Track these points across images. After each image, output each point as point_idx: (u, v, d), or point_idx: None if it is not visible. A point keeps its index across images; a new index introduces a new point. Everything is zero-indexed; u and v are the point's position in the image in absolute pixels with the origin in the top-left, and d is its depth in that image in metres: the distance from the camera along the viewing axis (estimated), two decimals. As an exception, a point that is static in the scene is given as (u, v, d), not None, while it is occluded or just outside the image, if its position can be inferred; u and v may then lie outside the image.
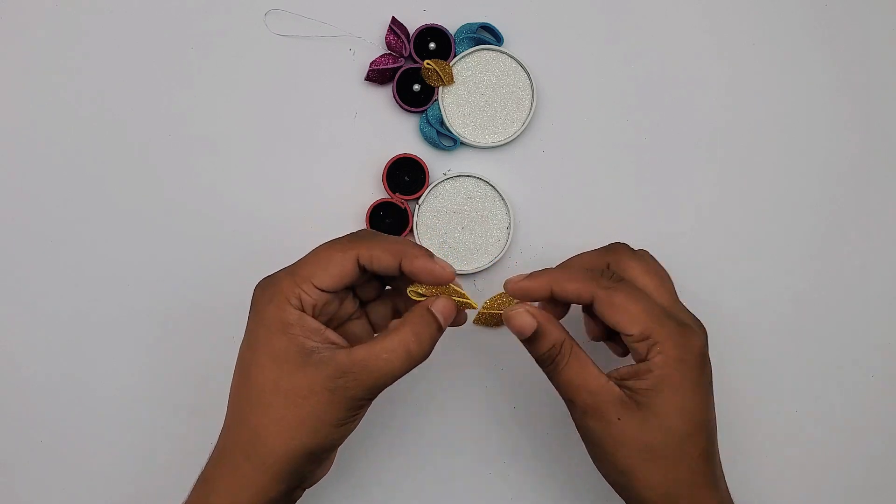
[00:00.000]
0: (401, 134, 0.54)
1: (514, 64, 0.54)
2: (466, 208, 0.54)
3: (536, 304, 0.44)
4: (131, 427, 0.54)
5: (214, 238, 0.54)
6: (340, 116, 0.54)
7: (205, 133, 0.54)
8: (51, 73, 0.54)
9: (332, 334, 0.41)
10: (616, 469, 0.42)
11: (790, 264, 0.55)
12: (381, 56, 0.54)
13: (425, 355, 0.41)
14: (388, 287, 0.47)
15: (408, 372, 0.41)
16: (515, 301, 0.45)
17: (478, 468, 0.55)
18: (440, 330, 0.42)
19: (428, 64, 0.53)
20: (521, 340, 0.44)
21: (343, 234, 0.54)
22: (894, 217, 0.55)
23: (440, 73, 0.53)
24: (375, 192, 0.54)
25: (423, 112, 0.54)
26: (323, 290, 0.41)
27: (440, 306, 0.42)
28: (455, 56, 0.54)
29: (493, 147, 0.54)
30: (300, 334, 0.40)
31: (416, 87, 0.53)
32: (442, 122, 0.53)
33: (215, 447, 0.43)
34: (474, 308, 0.44)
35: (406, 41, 0.53)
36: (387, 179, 0.53)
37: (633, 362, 0.42)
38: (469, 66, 0.54)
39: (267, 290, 0.41)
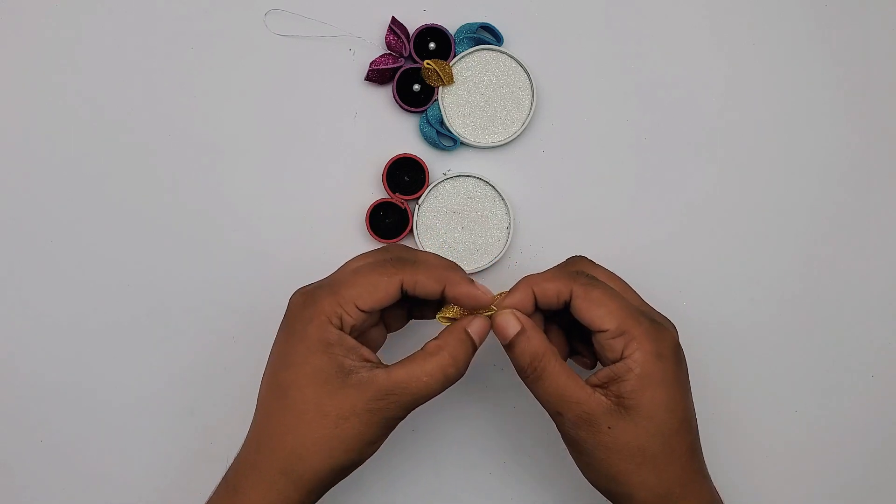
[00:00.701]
0: (401, 134, 0.54)
1: (514, 64, 0.54)
2: (466, 208, 0.54)
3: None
4: (131, 427, 0.54)
5: (214, 238, 0.54)
6: (340, 116, 0.54)
7: (205, 133, 0.54)
8: (51, 74, 0.54)
9: (366, 352, 0.42)
10: (609, 476, 0.42)
11: (791, 264, 0.55)
12: (381, 56, 0.54)
13: (461, 375, 0.43)
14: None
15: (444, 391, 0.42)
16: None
17: (478, 468, 0.55)
18: (475, 349, 0.43)
19: (428, 64, 0.53)
20: (505, 347, 0.44)
21: (343, 233, 0.54)
22: (894, 217, 0.55)
23: (440, 73, 0.53)
24: (375, 192, 0.54)
25: (423, 112, 0.54)
26: (365, 312, 0.42)
27: (477, 328, 0.43)
28: (455, 56, 0.54)
29: (493, 147, 0.54)
30: (340, 354, 0.41)
31: (416, 87, 0.53)
32: (442, 122, 0.53)
33: (243, 459, 0.43)
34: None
35: (406, 41, 0.53)
36: (387, 179, 0.53)
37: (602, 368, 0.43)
38: (469, 66, 0.54)
39: (308, 308, 0.42)
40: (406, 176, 0.54)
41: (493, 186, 0.54)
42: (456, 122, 0.54)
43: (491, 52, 0.54)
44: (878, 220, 0.55)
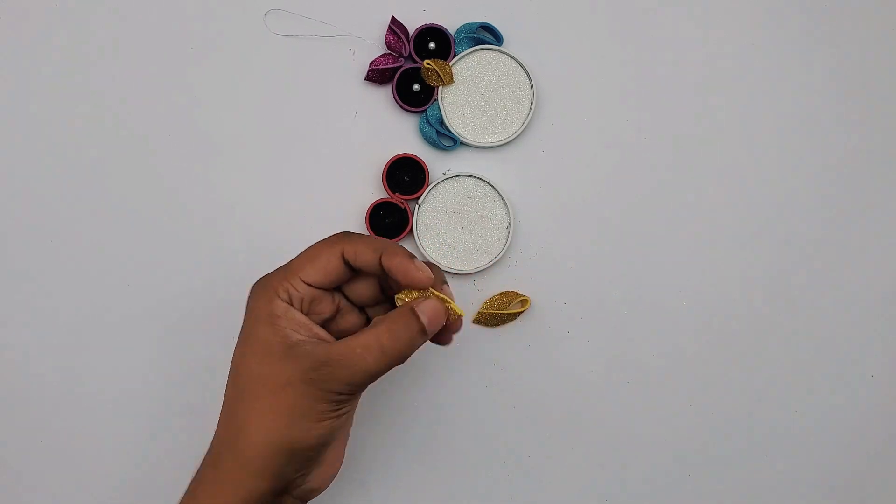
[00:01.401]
0: (401, 134, 0.54)
1: (514, 64, 0.54)
2: (466, 208, 0.54)
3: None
4: (131, 427, 0.54)
5: (214, 238, 0.54)
6: (340, 116, 0.54)
7: (205, 133, 0.54)
8: (51, 74, 0.54)
9: (321, 330, 0.42)
10: None
11: (790, 264, 0.55)
12: (380, 56, 0.54)
13: (402, 355, 0.41)
14: (387, 293, 0.46)
15: (386, 370, 0.41)
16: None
17: (478, 468, 0.55)
18: (423, 332, 0.42)
19: (428, 64, 0.53)
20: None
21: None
22: (894, 217, 0.55)
23: (440, 73, 0.53)
24: (375, 192, 0.54)
25: (422, 112, 0.54)
26: (310, 285, 0.42)
27: (425, 307, 0.42)
28: (455, 56, 0.54)
29: (492, 147, 0.54)
30: (286, 326, 0.41)
31: (416, 87, 0.53)
32: (442, 122, 0.53)
33: (200, 469, 0.43)
34: (461, 315, 0.43)
35: (406, 41, 0.53)
36: (387, 179, 0.53)
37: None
38: (469, 66, 0.54)
39: (259, 285, 0.43)
40: (406, 176, 0.54)
41: (492, 186, 0.54)
42: (456, 122, 0.54)
43: (491, 52, 0.54)
44: (878, 220, 0.55)
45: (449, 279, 0.54)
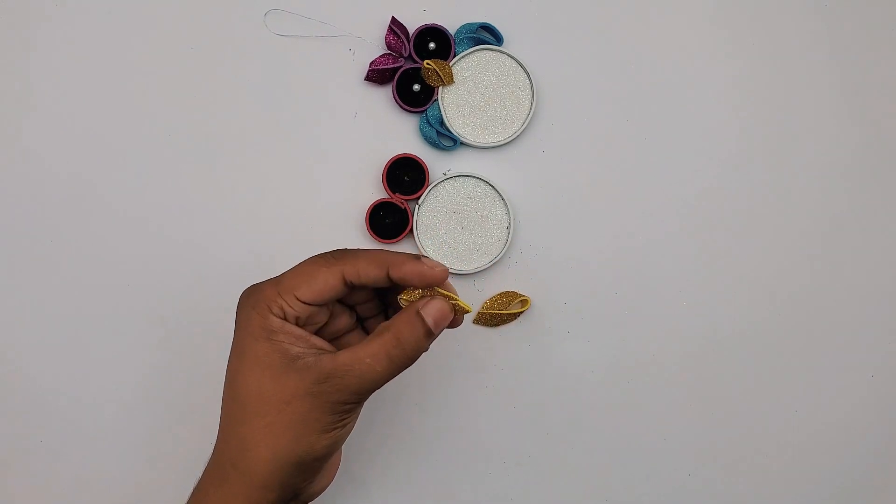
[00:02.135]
0: (401, 134, 0.54)
1: (514, 64, 0.54)
2: (466, 208, 0.54)
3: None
4: (131, 427, 0.54)
5: (214, 238, 0.54)
6: (340, 116, 0.54)
7: (205, 133, 0.54)
8: (50, 73, 0.54)
9: (318, 340, 0.41)
10: None
11: (790, 264, 0.55)
12: (380, 56, 0.54)
13: (410, 360, 0.41)
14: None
15: (394, 376, 0.40)
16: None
17: (478, 468, 0.55)
18: (430, 334, 0.41)
19: (428, 64, 0.53)
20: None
21: (343, 233, 0.54)
22: (894, 217, 0.55)
23: (440, 73, 0.53)
24: (375, 192, 0.54)
25: (423, 112, 0.54)
26: (306, 304, 0.40)
27: (431, 308, 0.41)
28: (455, 56, 0.54)
29: (493, 147, 0.54)
30: (284, 340, 0.40)
31: (416, 87, 0.53)
32: (442, 122, 0.53)
33: (213, 455, 0.42)
34: (468, 311, 0.42)
35: (406, 41, 0.53)
36: (387, 179, 0.53)
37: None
38: (469, 66, 0.54)
39: (251, 297, 0.41)
40: (406, 176, 0.54)
41: (493, 186, 0.54)
42: (456, 122, 0.54)
43: (491, 52, 0.54)
44: (878, 220, 0.55)
45: (449, 279, 0.54)
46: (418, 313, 0.41)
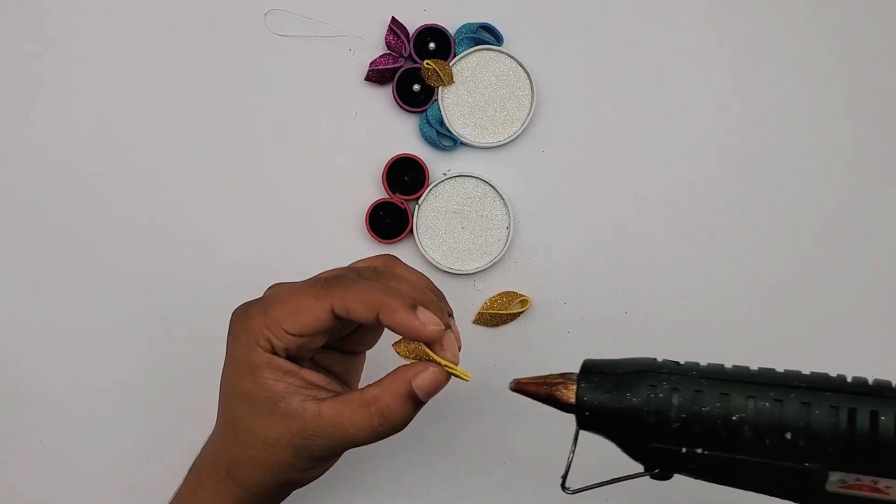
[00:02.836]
0: (401, 134, 0.54)
1: (514, 64, 0.54)
2: (466, 208, 0.54)
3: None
4: (131, 427, 0.54)
5: (214, 238, 0.54)
6: (340, 116, 0.54)
7: (205, 133, 0.54)
8: (50, 73, 0.54)
9: (307, 373, 0.39)
10: None
11: (791, 264, 0.55)
12: (380, 56, 0.54)
13: (399, 430, 0.39)
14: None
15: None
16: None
17: (478, 468, 0.55)
18: (420, 405, 0.39)
19: (428, 64, 0.53)
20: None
21: (343, 233, 0.54)
22: (894, 217, 0.55)
23: (440, 73, 0.53)
24: (375, 192, 0.54)
25: (423, 112, 0.54)
26: (295, 335, 0.39)
27: (424, 380, 0.38)
28: (455, 56, 0.54)
29: (493, 147, 0.54)
30: (269, 376, 0.39)
31: (416, 87, 0.53)
32: (442, 122, 0.53)
33: (207, 450, 0.43)
34: (466, 380, 0.39)
35: (406, 41, 0.53)
36: (387, 179, 0.53)
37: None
38: (469, 66, 0.54)
39: (238, 325, 0.40)
40: (406, 176, 0.54)
41: (493, 186, 0.54)
42: (456, 122, 0.54)
43: (491, 52, 0.54)
44: (878, 220, 0.55)
45: (449, 279, 0.54)
46: (410, 390, 0.38)
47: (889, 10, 0.55)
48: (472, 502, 0.55)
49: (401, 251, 0.54)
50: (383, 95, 0.54)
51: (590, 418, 0.36)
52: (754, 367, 0.36)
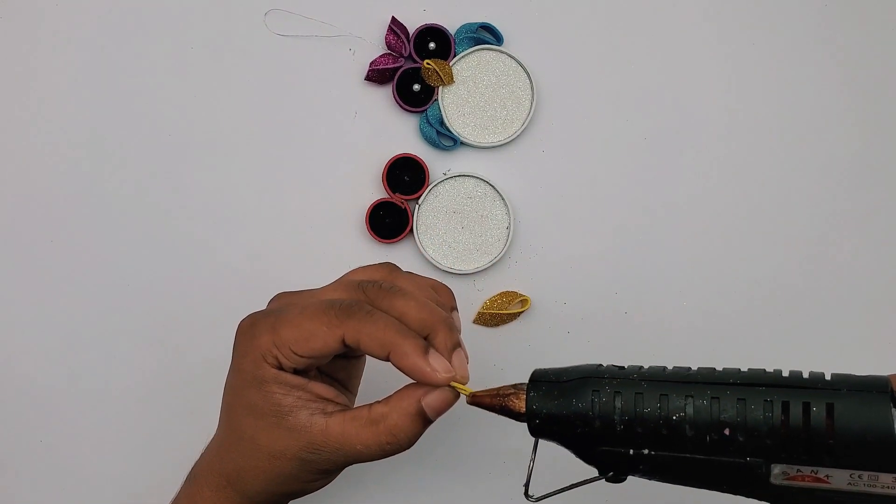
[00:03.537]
0: (401, 134, 0.54)
1: (514, 64, 0.54)
2: (466, 208, 0.54)
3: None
4: (131, 427, 0.54)
5: (214, 238, 0.54)
6: (340, 116, 0.54)
7: (205, 133, 0.54)
8: (50, 73, 0.54)
9: (315, 386, 0.39)
10: None
11: (791, 263, 0.55)
12: (381, 56, 0.54)
13: (407, 448, 0.39)
14: None
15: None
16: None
17: (478, 468, 0.55)
18: (428, 423, 0.39)
19: (428, 64, 0.53)
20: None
21: (343, 233, 0.54)
22: (894, 217, 0.55)
23: (440, 73, 0.53)
24: (375, 192, 0.54)
25: (423, 112, 0.54)
26: (304, 358, 0.38)
27: (435, 400, 0.38)
28: (455, 56, 0.54)
29: (493, 147, 0.54)
30: (277, 391, 0.39)
31: (416, 87, 0.53)
32: (442, 122, 0.53)
33: (206, 456, 0.43)
34: (466, 393, 0.39)
35: (406, 41, 0.53)
36: (387, 179, 0.53)
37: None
38: (469, 66, 0.54)
39: (246, 339, 0.39)
40: (406, 176, 0.54)
41: (493, 186, 0.54)
42: (456, 122, 0.54)
43: (491, 52, 0.54)
44: (878, 220, 0.55)
45: (449, 279, 0.54)
46: (419, 404, 0.38)
47: (889, 10, 0.55)
48: (473, 502, 0.55)
49: (401, 251, 0.54)
50: (383, 95, 0.54)
51: (540, 426, 0.38)
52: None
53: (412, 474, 0.55)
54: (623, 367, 0.38)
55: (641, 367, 0.37)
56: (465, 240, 0.54)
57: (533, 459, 0.39)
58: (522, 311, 0.54)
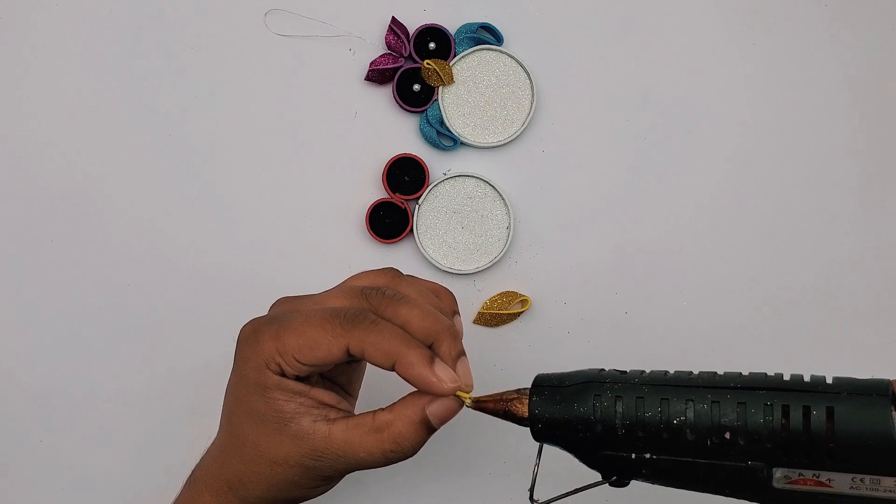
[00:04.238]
0: (401, 134, 0.54)
1: (514, 64, 0.54)
2: (466, 208, 0.54)
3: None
4: (131, 427, 0.54)
5: (214, 238, 0.54)
6: (340, 116, 0.54)
7: (205, 133, 0.54)
8: (50, 73, 0.54)
9: (318, 392, 0.39)
10: None
11: (791, 264, 0.55)
12: (381, 56, 0.54)
13: (410, 456, 0.39)
14: None
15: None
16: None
17: (477, 468, 0.55)
18: (432, 431, 0.39)
19: (428, 64, 0.53)
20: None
21: (343, 233, 0.54)
22: (895, 217, 0.55)
23: (440, 73, 0.53)
24: (375, 192, 0.54)
25: (423, 112, 0.54)
26: (307, 366, 0.38)
27: (439, 408, 0.39)
28: (455, 56, 0.54)
29: (493, 147, 0.54)
30: (279, 397, 0.39)
31: (416, 87, 0.53)
32: (442, 122, 0.53)
33: (207, 460, 0.43)
34: (466, 401, 0.39)
35: (406, 41, 0.53)
36: (387, 179, 0.53)
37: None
38: (469, 66, 0.54)
39: (248, 346, 0.39)
40: (406, 176, 0.54)
41: (493, 186, 0.54)
42: (456, 122, 0.54)
43: (491, 52, 0.54)
44: (878, 220, 0.55)
45: (449, 279, 0.54)
46: (423, 419, 0.38)
47: (890, 10, 0.55)
48: (472, 502, 0.55)
49: (401, 251, 0.54)
50: (383, 95, 0.54)
51: (543, 430, 0.38)
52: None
53: (414, 477, 0.55)
54: (625, 372, 0.38)
55: (643, 372, 0.37)
56: (465, 240, 0.54)
57: (537, 464, 0.39)
58: (522, 312, 0.54)
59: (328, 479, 0.40)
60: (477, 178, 0.54)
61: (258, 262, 0.54)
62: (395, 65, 0.53)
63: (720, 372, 0.36)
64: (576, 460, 0.38)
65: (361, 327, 0.38)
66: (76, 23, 0.54)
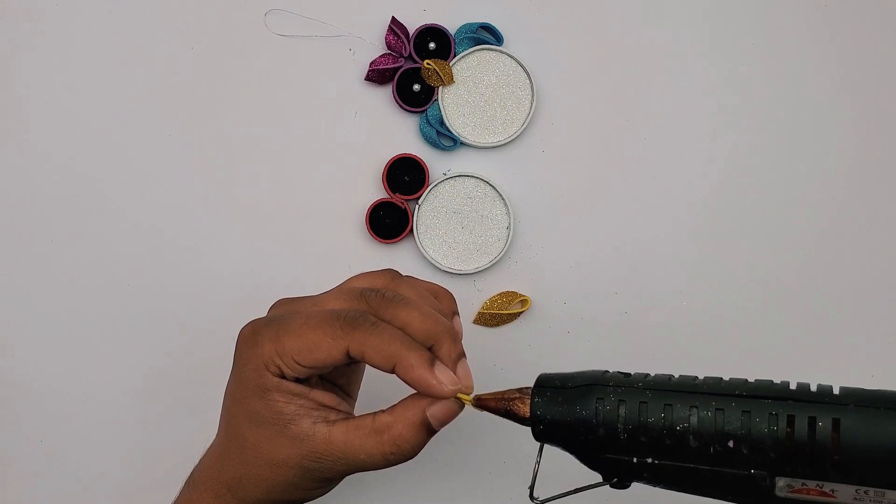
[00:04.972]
0: (401, 134, 0.54)
1: (514, 64, 0.54)
2: (466, 208, 0.54)
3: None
4: (131, 427, 0.55)
5: (214, 238, 0.54)
6: (340, 116, 0.54)
7: (204, 133, 0.54)
8: (50, 73, 0.54)
9: (317, 394, 0.39)
10: None
11: (791, 263, 0.55)
12: (381, 56, 0.54)
13: (410, 458, 0.39)
14: None
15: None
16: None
17: (477, 468, 0.55)
18: (432, 433, 0.39)
19: (428, 64, 0.53)
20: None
21: (343, 233, 0.54)
22: (895, 217, 0.55)
23: (440, 73, 0.53)
24: (375, 192, 0.54)
25: (423, 112, 0.54)
26: (306, 368, 0.38)
27: (439, 411, 0.39)
28: (455, 56, 0.54)
29: (493, 147, 0.54)
30: (279, 399, 0.39)
31: (416, 87, 0.53)
32: (442, 122, 0.53)
33: (206, 462, 0.42)
34: (467, 402, 0.39)
35: (406, 41, 0.53)
36: (387, 179, 0.53)
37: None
38: (469, 66, 0.54)
39: (248, 348, 0.39)
40: (406, 176, 0.54)
41: (493, 186, 0.54)
42: (456, 122, 0.54)
43: (491, 52, 0.54)
44: (878, 220, 0.55)
45: (449, 279, 0.54)
46: (424, 414, 0.38)
47: (889, 10, 0.55)
48: (472, 502, 0.55)
49: (401, 251, 0.54)
50: (383, 95, 0.54)
51: (544, 431, 0.38)
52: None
53: (414, 476, 0.55)
54: (629, 375, 0.37)
55: (647, 375, 0.37)
56: (465, 240, 0.54)
57: (538, 462, 0.39)
58: (522, 312, 0.54)
59: (328, 480, 0.40)
60: (477, 178, 0.54)
61: (258, 263, 0.54)
62: (395, 65, 0.53)
63: (725, 378, 0.36)
64: (576, 460, 0.38)
65: (361, 330, 0.38)
66: (76, 23, 0.54)
